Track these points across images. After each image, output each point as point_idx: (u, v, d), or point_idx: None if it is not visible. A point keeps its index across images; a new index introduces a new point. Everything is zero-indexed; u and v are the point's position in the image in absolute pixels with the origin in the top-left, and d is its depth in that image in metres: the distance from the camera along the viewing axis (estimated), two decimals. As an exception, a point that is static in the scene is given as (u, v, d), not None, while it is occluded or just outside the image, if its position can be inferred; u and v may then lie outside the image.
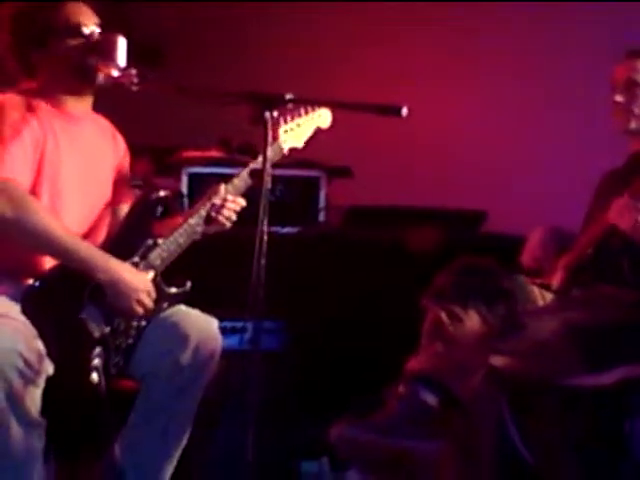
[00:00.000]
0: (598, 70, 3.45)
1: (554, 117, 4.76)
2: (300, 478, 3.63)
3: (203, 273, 3.06)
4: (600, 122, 3.51)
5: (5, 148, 2.73)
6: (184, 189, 4.11)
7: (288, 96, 2.68)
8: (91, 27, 2.91)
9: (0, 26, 2.92)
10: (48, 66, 2.90)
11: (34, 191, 2.80)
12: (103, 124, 3.07)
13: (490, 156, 4.79)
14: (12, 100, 2.83)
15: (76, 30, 2.89)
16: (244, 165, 3.03)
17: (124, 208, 3.04)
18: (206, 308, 3.03)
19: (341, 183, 4.32)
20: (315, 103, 3.08)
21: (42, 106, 2.87)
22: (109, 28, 2.93)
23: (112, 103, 2.96)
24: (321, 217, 4.21)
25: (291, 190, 4.18)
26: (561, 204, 4.24)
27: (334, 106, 3.10)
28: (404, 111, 2.60)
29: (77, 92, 2.92)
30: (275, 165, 3.00)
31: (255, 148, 2.74)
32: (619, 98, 3.32)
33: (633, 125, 3.33)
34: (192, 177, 4.14)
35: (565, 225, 3.53)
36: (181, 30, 5.30)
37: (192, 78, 4.64)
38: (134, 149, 3.45)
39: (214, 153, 4.37)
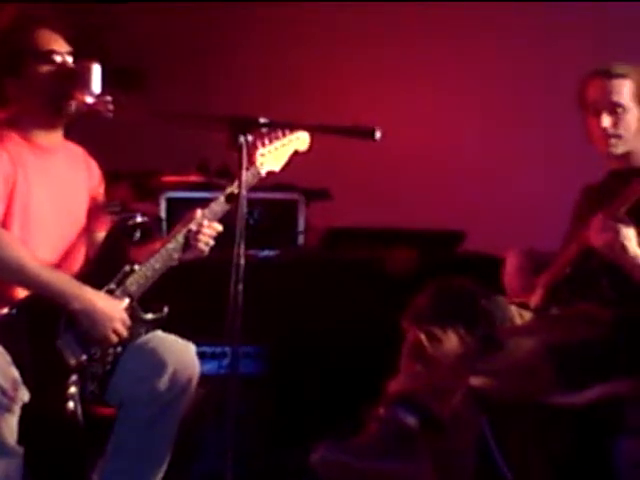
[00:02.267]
0: (569, 89, 3.43)
1: (530, 136, 4.76)
2: (282, 503, 3.62)
3: (181, 298, 3.05)
4: (576, 139, 3.51)
5: None
6: (163, 214, 4.10)
7: (262, 120, 2.69)
8: (64, 55, 2.90)
9: None
10: (20, 94, 2.88)
11: (5, 224, 2.79)
12: (76, 152, 3.06)
13: (467, 176, 4.80)
14: None
15: (48, 57, 2.87)
16: (223, 189, 3.03)
17: (101, 234, 3.03)
18: (184, 333, 3.02)
19: (319, 205, 4.31)
20: (290, 127, 3.08)
21: (13, 138, 2.85)
22: (85, 53, 2.93)
23: (89, 128, 2.95)
24: (300, 240, 4.21)
25: (269, 213, 4.18)
26: (539, 222, 4.26)
27: (308, 129, 3.11)
28: (377, 134, 2.61)
29: (49, 122, 2.91)
30: (253, 188, 3.01)
31: (234, 172, 2.73)
32: (606, 123, 3.26)
33: (620, 149, 3.27)
34: (171, 202, 4.13)
35: (544, 243, 3.53)
36: (161, 54, 5.31)
37: (173, 102, 4.65)
38: (113, 175, 3.44)
39: (192, 177, 4.37)
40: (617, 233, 3.05)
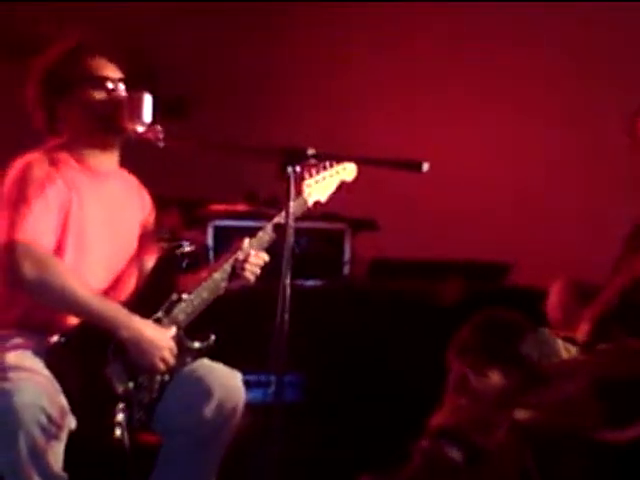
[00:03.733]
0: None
1: (576, 168, 4.74)
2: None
3: (227, 327, 3.07)
4: (626, 169, 3.49)
5: (29, 209, 2.77)
6: (210, 242, 4.13)
7: (310, 151, 2.70)
8: (116, 81, 2.95)
9: (30, 79, 2.97)
10: (73, 119, 2.94)
11: (60, 249, 2.83)
12: (129, 180, 3.10)
13: (514, 207, 4.78)
14: (38, 160, 2.86)
15: (100, 82, 2.93)
16: (270, 218, 3.04)
17: (150, 261, 3.05)
18: (230, 362, 3.03)
19: (366, 235, 4.32)
20: (337, 158, 3.10)
21: (67, 162, 2.90)
22: (135, 82, 2.97)
23: (140, 156, 2.99)
24: (346, 270, 4.21)
25: (315, 243, 4.19)
26: (586, 255, 4.23)
27: (355, 161, 3.12)
28: (425, 167, 2.61)
29: (102, 146, 2.95)
30: (299, 218, 3.02)
31: (281, 201, 2.75)
32: None
33: None
34: (218, 230, 4.16)
35: (592, 276, 3.51)
36: (210, 83, 5.35)
37: (221, 130, 4.69)
38: (162, 202, 3.48)
39: (240, 207, 4.40)
40: None
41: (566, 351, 3.28)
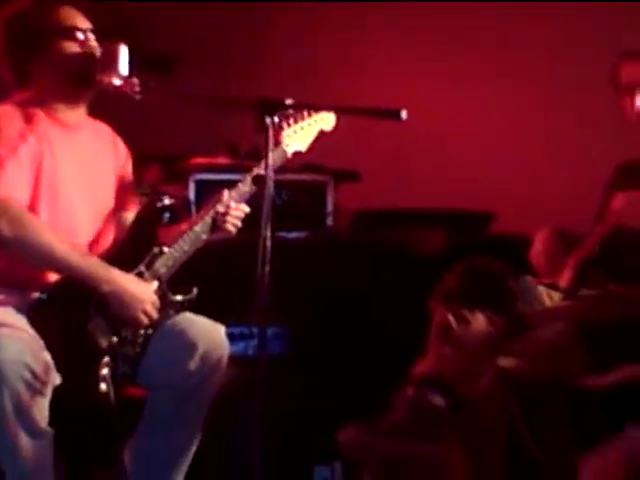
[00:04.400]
0: (600, 69, 3.42)
1: (558, 116, 4.74)
2: (313, 483, 3.63)
3: (210, 280, 3.06)
4: (607, 118, 3.49)
5: (2, 166, 2.74)
6: (192, 196, 4.12)
7: (288, 101, 2.69)
8: (86, 32, 2.90)
9: None
10: (43, 72, 2.89)
11: (33, 205, 2.80)
12: (102, 130, 3.06)
13: (496, 156, 4.78)
14: (7, 114, 2.83)
15: (70, 34, 2.88)
16: (251, 171, 3.03)
17: (130, 215, 3.04)
18: (213, 315, 3.03)
19: (348, 187, 4.31)
20: (315, 108, 3.08)
21: (38, 117, 2.86)
22: (115, 35, 2.94)
23: (119, 111, 2.96)
24: (329, 221, 4.20)
25: (298, 195, 4.17)
26: (569, 202, 4.24)
27: (334, 110, 3.11)
28: (403, 114, 2.60)
29: (73, 100, 2.91)
30: (282, 170, 3.02)
31: (262, 153, 2.74)
32: None
33: None
34: (199, 184, 4.14)
35: (574, 224, 3.51)
36: (191, 39, 5.31)
37: (202, 86, 4.65)
38: (143, 157, 3.45)
39: (221, 160, 4.37)
40: None
41: (549, 298, 3.30)
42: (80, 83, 2.88)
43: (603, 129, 3.64)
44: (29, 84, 2.91)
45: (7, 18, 2.91)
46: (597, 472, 1.61)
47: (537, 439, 3.03)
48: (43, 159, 2.83)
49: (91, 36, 2.91)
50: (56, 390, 2.68)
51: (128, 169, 3.10)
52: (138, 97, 2.86)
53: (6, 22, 2.91)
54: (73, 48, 2.88)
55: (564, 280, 3.30)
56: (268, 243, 2.58)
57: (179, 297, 2.98)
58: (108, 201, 3.01)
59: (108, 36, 2.94)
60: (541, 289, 3.29)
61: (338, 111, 3.08)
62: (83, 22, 2.92)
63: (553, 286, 3.31)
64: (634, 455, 1.53)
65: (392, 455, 3.19)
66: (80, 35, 2.89)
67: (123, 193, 3.06)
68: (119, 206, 3.03)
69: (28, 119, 2.84)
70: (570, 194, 4.42)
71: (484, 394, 3.09)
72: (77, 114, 2.95)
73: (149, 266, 2.90)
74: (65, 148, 2.89)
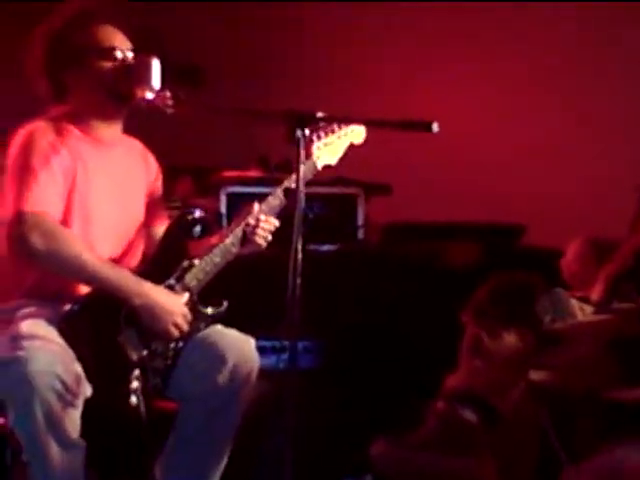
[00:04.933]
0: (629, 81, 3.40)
1: (591, 128, 4.72)
2: (343, 496, 3.62)
3: (240, 293, 3.06)
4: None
5: (35, 180, 2.75)
6: (223, 209, 4.13)
7: (319, 114, 2.69)
8: (124, 51, 2.92)
9: (34, 46, 2.93)
10: (80, 89, 2.91)
11: (65, 220, 2.82)
12: (134, 146, 3.08)
13: (527, 169, 4.76)
14: (42, 129, 2.84)
15: (109, 52, 2.89)
16: (281, 183, 3.03)
17: (160, 229, 3.04)
18: (243, 328, 3.03)
19: (379, 200, 4.31)
20: (346, 121, 3.07)
21: (72, 132, 2.88)
22: (145, 49, 2.95)
23: (151, 124, 2.98)
24: (360, 234, 4.20)
25: (329, 208, 4.18)
26: (602, 215, 4.21)
27: (365, 123, 3.10)
28: (435, 127, 2.58)
29: (109, 116, 2.93)
30: (313, 183, 3.01)
31: (292, 166, 2.74)
32: None
33: None
34: (231, 197, 4.15)
35: (607, 235, 3.49)
36: (222, 51, 5.33)
37: (233, 99, 4.68)
38: (175, 171, 3.46)
39: (252, 172, 4.39)
40: None
41: (581, 311, 3.28)
42: (116, 100, 2.89)
43: (637, 138, 3.62)
44: (66, 100, 2.93)
45: (46, 34, 2.93)
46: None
47: (569, 452, 3.01)
48: (76, 174, 2.85)
49: (129, 54, 2.92)
50: (87, 402, 2.69)
51: (158, 185, 3.11)
52: (170, 110, 2.86)
53: (45, 38, 2.92)
54: (110, 66, 2.89)
55: (596, 293, 3.28)
56: (299, 256, 2.57)
57: (210, 310, 2.98)
58: (138, 216, 3.02)
59: (140, 49, 2.96)
60: (573, 302, 3.27)
61: (369, 124, 3.07)
62: (123, 41, 2.93)
63: (585, 299, 3.28)
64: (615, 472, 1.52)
65: (423, 469, 3.18)
66: (119, 54, 2.91)
67: (153, 208, 3.07)
68: (149, 221, 3.04)
69: (62, 134, 2.85)
70: (603, 205, 4.40)
71: (516, 408, 3.08)
72: (112, 131, 2.96)
73: (179, 279, 2.91)
74: (98, 164, 2.91)
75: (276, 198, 3.01)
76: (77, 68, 2.90)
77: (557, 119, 4.80)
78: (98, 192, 2.89)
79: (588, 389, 3.01)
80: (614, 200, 3.73)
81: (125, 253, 2.96)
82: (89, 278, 2.78)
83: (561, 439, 3.03)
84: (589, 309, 3.27)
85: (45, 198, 2.76)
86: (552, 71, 4.82)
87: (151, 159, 3.11)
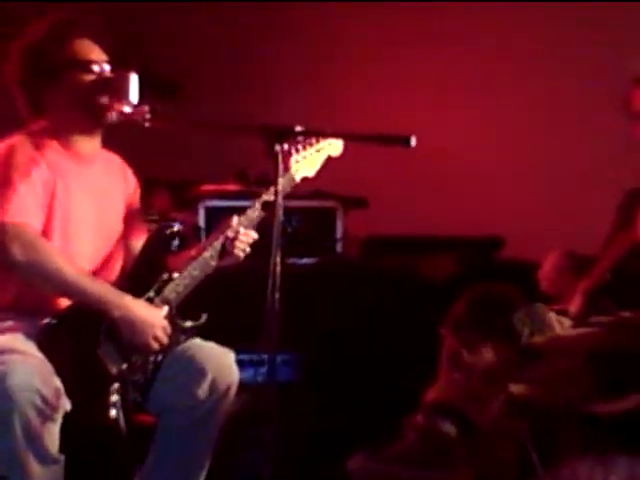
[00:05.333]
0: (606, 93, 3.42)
1: (569, 142, 4.75)
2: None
3: (219, 306, 3.06)
4: (619, 142, 3.49)
5: (15, 192, 2.75)
6: (201, 222, 4.13)
7: (298, 128, 2.70)
8: (101, 64, 2.92)
9: (11, 60, 2.92)
10: (58, 103, 2.90)
11: (45, 232, 2.81)
12: (113, 161, 3.08)
13: (505, 182, 4.78)
14: (21, 143, 2.84)
15: (86, 66, 2.89)
16: (260, 197, 3.04)
17: (138, 243, 3.04)
18: (222, 341, 3.03)
19: (357, 213, 4.32)
20: (324, 135, 3.08)
21: (52, 147, 2.87)
22: (124, 63, 2.95)
23: (129, 138, 2.98)
24: (338, 248, 4.21)
25: (308, 221, 4.19)
26: (579, 227, 4.23)
27: (343, 137, 3.11)
28: (413, 141, 2.60)
29: (87, 131, 2.93)
30: (291, 196, 3.02)
31: (271, 179, 2.75)
32: None
33: None
34: (209, 210, 4.15)
35: (584, 248, 3.51)
36: (200, 65, 5.34)
37: (210, 111, 4.68)
38: (152, 184, 3.46)
39: (231, 186, 4.39)
40: None
41: (559, 324, 3.29)
42: (94, 115, 2.89)
43: (615, 153, 3.64)
44: (44, 114, 2.92)
45: (22, 48, 2.91)
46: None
47: (547, 466, 3.02)
48: (56, 187, 2.84)
49: (106, 67, 2.92)
50: (66, 416, 2.68)
51: (137, 199, 3.12)
52: (148, 124, 2.86)
53: (21, 52, 2.91)
54: (87, 80, 2.88)
55: (574, 306, 3.29)
56: (278, 269, 2.58)
57: (189, 323, 2.98)
58: (117, 230, 3.02)
59: (117, 63, 2.96)
60: (552, 315, 3.29)
61: (345, 138, 3.09)
62: (99, 54, 2.93)
63: (563, 312, 3.30)
64: None
65: (401, 482, 3.18)
66: (96, 68, 2.91)
67: (131, 222, 3.06)
68: (127, 234, 3.04)
69: (41, 149, 2.85)
70: (580, 219, 4.42)
71: (494, 421, 3.09)
72: (91, 145, 2.96)
73: (158, 292, 2.91)
74: (77, 178, 2.90)
75: (255, 211, 3.02)
76: (54, 83, 2.89)
77: (537, 132, 4.82)
78: (78, 206, 2.89)
79: (567, 403, 3.02)
80: (592, 214, 3.74)
81: (104, 266, 2.95)
82: (69, 290, 2.78)
83: (539, 452, 3.04)
84: (567, 322, 3.28)
85: (25, 210, 2.76)
86: (532, 85, 4.84)
87: (130, 173, 3.11)
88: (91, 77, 2.89)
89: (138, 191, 3.12)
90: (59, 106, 2.91)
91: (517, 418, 3.07)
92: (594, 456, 1.57)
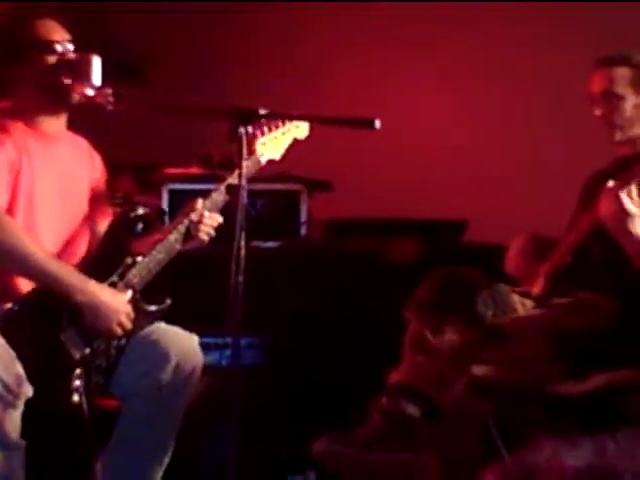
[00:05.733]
0: (576, 73, 3.43)
1: (533, 124, 4.76)
2: (287, 493, 3.62)
3: (183, 290, 3.06)
4: (582, 126, 3.51)
5: None
6: (165, 206, 4.11)
7: (262, 111, 2.69)
8: (64, 44, 2.90)
9: None
10: (22, 83, 2.89)
11: (9, 211, 2.79)
12: (79, 142, 3.06)
13: (469, 165, 4.79)
14: None
15: (49, 47, 2.88)
16: (224, 180, 3.03)
17: (102, 225, 3.03)
18: (186, 325, 3.02)
19: (322, 196, 4.31)
20: (289, 117, 3.09)
21: (17, 126, 2.86)
22: (88, 46, 2.93)
23: (92, 121, 2.96)
24: (302, 231, 4.21)
25: (272, 204, 4.17)
26: (543, 210, 4.25)
27: (307, 120, 3.11)
28: (377, 124, 2.60)
29: (51, 111, 2.91)
30: (255, 179, 3.02)
31: (235, 163, 2.74)
32: (598, 112, 3.27)
33: (617, 137, 3.27)
34: (173, 194, 4.13)
35: (547, 231, 3.52)
36: (163, 47, 5.30)
37: (175, 94, 4.65)
38: (116, 167, 3.44)
39: (195, 170, 4.37)
40: (622, 204, 3.00)
41: (522, 306, 3.30)
42: (57, 96, 2.87)
43: (580, 136, 3.66)
44: (9, 95, 2.91)
45: None
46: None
47: (510, 447, 3.04)
48: (21, 168, 2.82)
49: (69, 47, 2.90)
50: (28, 402, 2.66)
51: (102, 182, 3.11)
52: (111, 107, 2.85)
53: None
54: (49, 61, 2.87)
55: (537, 288, 3.30)
56: (242, 252, 2.57)
57: (152, 307, 2.97)
58: (82, 212, 3.00)
59: (80, 46, 2.94)
60: (514, 297, 3.30)
61: (312, 120, 3.08)
62: (61, 34, 2.92)
63: (526, 294, 3.31)
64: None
65: (366, 465, 3.19)
66: (58, 47, 2.89)
67: (96, 204, 3.05)
68: (92, 217, 3.02)
69: (6, 128, 2.83)
70: (543, 203, 4.44)
71: (458, 402, 3.10)
72: (56, 125, 2.94)
73: (122, 276, 2.89)
74: (43, 158, 2.89)
75: (219, 194, 3.01)
76: (18, 63, 2.88)
77: (498, 116, 4.84)
78: (43, 185, 2.86)
79: (530, 384, 3.04)
80: (555, 197, 3.75)
81: (68, 248, 2.94)
82: (33, 271, 2.75)
83: (503, 434, 3.06)
84: (530, 304, 3.29)
85: None
86: (493, 70, 4.85)
87: (97, 158, 3.10)
88: (54, 58, 2.88)
89: (104, 176, 3.11)
90: (23, 86, 2.89)
91: (480, 399, 3.08)
92: (558, 437, 1.57)
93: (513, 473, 1.55)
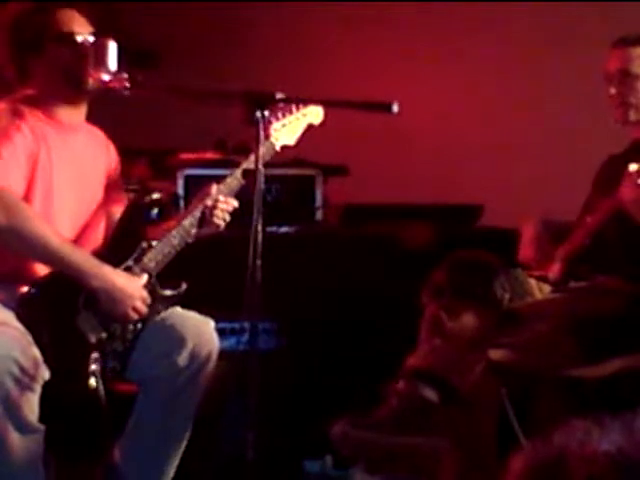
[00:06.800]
0: (593, 60, 3.42)
1: (549, 109, 4.75)
2: (303, 477, 3.62)
3: (200, 275, 3.06)
4: (594, 110, 3.49)
5: None
6: (181, 191, 4.10)
7: (279, 95, 2.69)
8: (85, 35, 2.90)
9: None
10: (42, 73, 2.90)
11: (27, 198, 2.79)
12: (96, 133, 3.07)
13: (485, 150, 4.78)
14: (4, 110, 2.83)
15: (69, 37, 2.89)
16: (239, 165, 3.03)
17: (118, 211, 3.03)
18: (202, 309, 3.02)
19: (337, 181, 4.31)
20: (305, 101, 3.08)
21: (35, 114, 2.86)
22: (102, 32, 2.93)
23: (109, 108, 2.96)
24: (318, 216, 4.20)
25: (287, 189, 4.17)
26: (558, 194, 4.24)
27: (324, 104, 3.10)
28: (395, 107, 2.59)
29: (70, 100, 2.92)
30: (270, 164, 3.01)
31: (250, 148, 2.74)
32: (613, 91, 3.26)
33: (632, 117, 3.26)
34: (188, 179, 4.12)
35: (562, 215, 3.51)
36: (179, 32, 5.30)
37: (189, 80, 4.64)
38: (131, 153, 3.44)
39: (210, 155, 4.36)
40: None
41: (539, 290, 3.29)
42: (75, 85, 2.88)
43: (595, 121, 3.64)
44: (30, 83, 2.92)
45: (7, 20, 2.93)
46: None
47: (527, 431, 3.04)
48: (39, 155, 2.83)
49: (90, 39, 2.90)
50: (45, 386, 2.67)
51: (117, 172, 3.11)
52: (127, 92, 2.85)
53: (6, 24, 2.92)
54: (69, 51, 2.88)
55: (553, 272, 3.29)
56: (259, 237, 2.57)
57: (168, 292, 2.97)
58: (97, 199, 3.01)
59: (96, 32, 2.94)
60: (531, 281, 3.29)
61: (327, 104, 3.07)
62: (82, 25, 2.93)
63: (543, 278, 3.30)
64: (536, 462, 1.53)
65: (383, 448, 3.19)
66: (79, 38, 2.89)
67: (112, 191, 3.06)
68: (108, 203, 3.03)
69: (24, 116, 2.84)
70: (559, 187, 4.43)
71: (475, 386, 3.10)
72: (75, 115, 2.95)
73: (138, 261, 2.90)
74: (61, 148, 2.89)
75: (235, 179, 3.01)
76: (37, 53, 2.90)
77: (517, 101, 4.81)
78: (60, 173, 2.87)
79: (547, 368, 3.03)
80: (570, 181, 3.74)
81: (84, 235, 2.94)
82: (50, 257, 2.76)
83: (519, 418, 3.05)
84: (547, 288, 3.29)
85: (7, 174, 2.74)
86: (507, 54, 4.84)
87: (112, 148, 3.11)
88: (74, 47, 2.89)
89: (119, 167, 3.12)
90: (42, 76, 2.91)
91: (497, 383, 3.07)
92: (588, 419, 1.56)
93: (543, 459, 1.53)
